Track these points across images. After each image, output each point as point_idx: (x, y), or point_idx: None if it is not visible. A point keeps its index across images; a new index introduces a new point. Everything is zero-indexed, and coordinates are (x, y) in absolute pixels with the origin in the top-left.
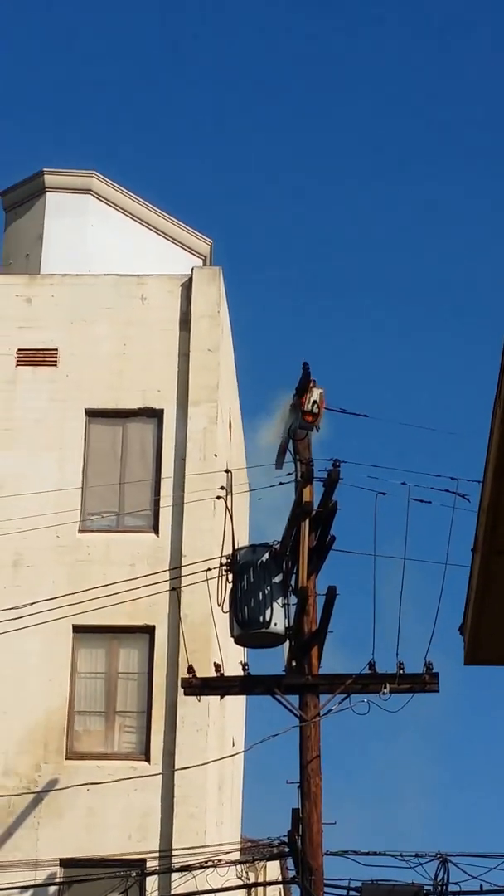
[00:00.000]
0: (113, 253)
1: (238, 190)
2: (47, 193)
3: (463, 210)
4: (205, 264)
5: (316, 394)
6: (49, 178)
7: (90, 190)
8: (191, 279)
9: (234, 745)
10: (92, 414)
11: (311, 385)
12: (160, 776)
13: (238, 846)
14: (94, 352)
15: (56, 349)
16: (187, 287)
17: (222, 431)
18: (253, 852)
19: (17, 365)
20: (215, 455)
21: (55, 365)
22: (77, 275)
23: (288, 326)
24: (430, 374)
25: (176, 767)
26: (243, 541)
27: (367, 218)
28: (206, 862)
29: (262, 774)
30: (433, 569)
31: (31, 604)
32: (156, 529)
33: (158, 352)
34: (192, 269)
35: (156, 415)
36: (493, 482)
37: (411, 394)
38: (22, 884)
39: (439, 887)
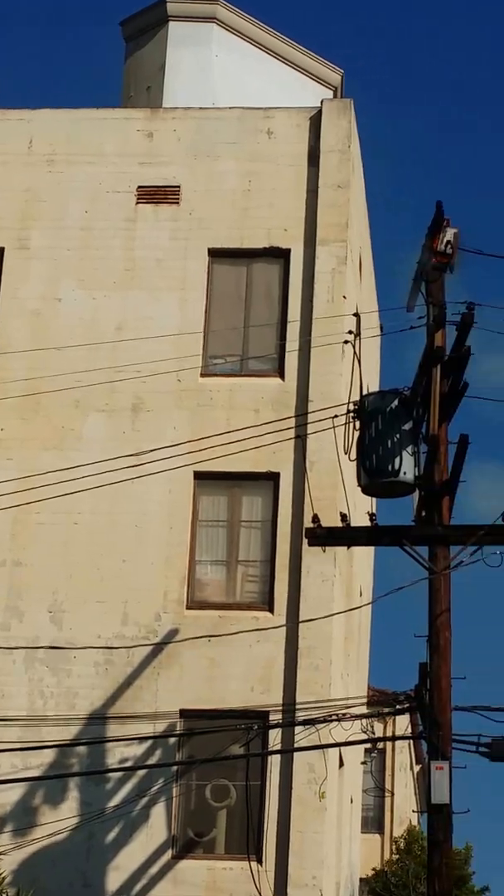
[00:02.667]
0: (238, 85)
1: (371, 19)
2: (170, 22)
3: None
4: (335, 96)
5: (450, 234)
6: (172, 7)
7: (215, 18)
8: (320, 112)
9: (361, 596)
10: (215, 254)
11: (444, 224)
12: (284, 627)
13: (364, 700)
14: (218, 189)
15: (178, 186)
16: (316, 120)
17: (352, 272)
18: (378, 706)
19: (138, 203)
20: (344, 297)
21: (177, 203)
22: (200, 108)
23: (423, 164)
24: None
25: (300, 618)
26: (374, 387)
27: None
28: (330, 715)
29: (391, 628)
30: None
31: (152, 450)
32: (281, 374)
33: (285, 189)
34: (322, 102)
35: (282, 255)
36: None
37: None
38: (142, 734)
39: None
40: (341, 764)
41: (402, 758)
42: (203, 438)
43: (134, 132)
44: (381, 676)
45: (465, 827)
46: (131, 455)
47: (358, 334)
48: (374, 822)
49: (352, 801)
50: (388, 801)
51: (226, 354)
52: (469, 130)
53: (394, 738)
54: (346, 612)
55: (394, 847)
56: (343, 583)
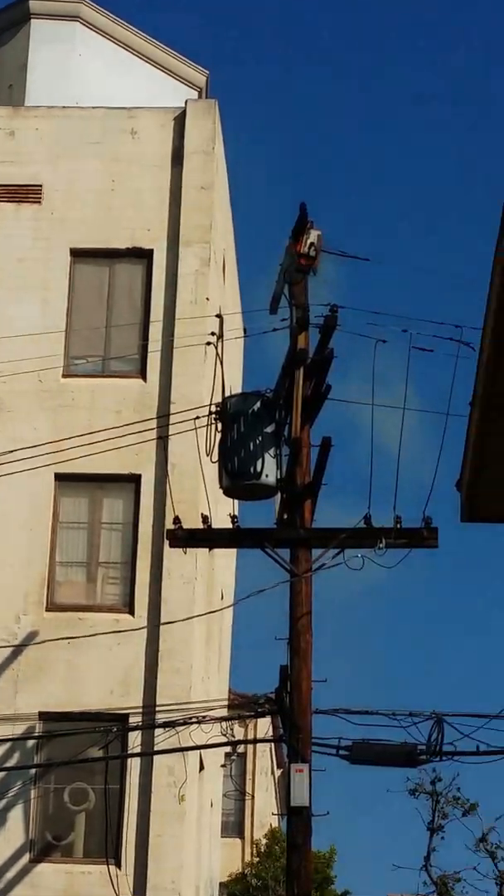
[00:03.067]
0: (102, 84)
1: (237, 20)
2: (32, 20)
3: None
4: (200, 97)
5: (313, 236)
6: (34, 4)
7: (78, 17)
8: (184, 112)
9: (223, 599)
10: (77, 254)
11: (308, 226)
12: (144, 630)
13: (224, 703)
14: (81, 189)
15: (40, 185)
16: (180, 121)
17: (215, 274)
18: (239, 709)
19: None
20: (207, 298)
21: (39, 202)
22: (63, 107)
23: (289, 166)
24: (436, 220)
25: (161, 621)
26: (237, 389)
27: (373, 47)
28: (190, 718)
29: (252, 631)
30: (434, 421)
31: (12, 451)
32: (143, 375)
33: (149, 189)
34: (186, 102)
35: (145, 255)
36: (493, 331)
37: (415, 240)
38: (0, 737)
39: (433, 747)
40: (201, 767)
41: (263, 762)
42: (64, 439)
43: None
44: (243, 680)
45: (326, 830)
46: None
47: (221, 336)
48: (234, 826)
49: (212, 805)
50: (248, 805)
51: (88, 355)
52: (336, 132)
53: (255, 741)
54: (206, 614)
55: (254, 850)
56: (204, 585)
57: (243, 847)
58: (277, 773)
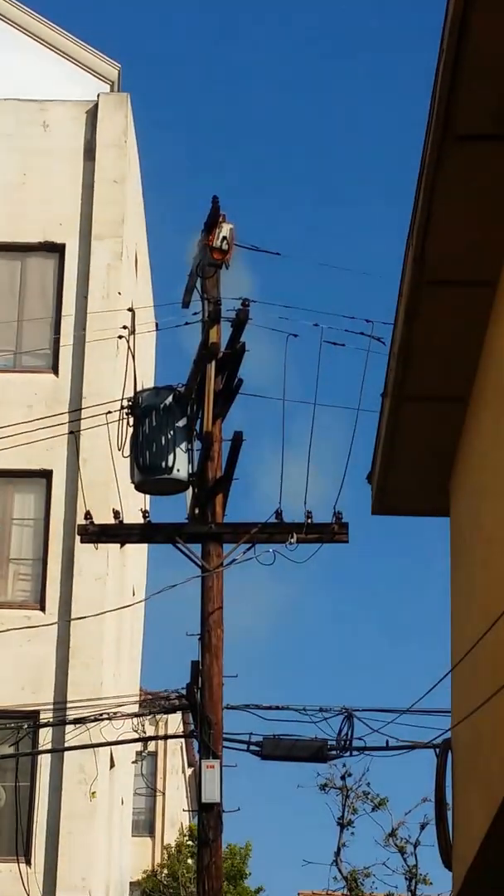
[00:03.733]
0: (12, 76)
1: (149, 12)
2: None
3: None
4: (112, 90)
5: (226, 229)
6: None
7: None
8: (97, 105)
9: (134, 595)
10: None
11: (220, 220)
12: (55, 626)
13: (135, 699)
14: None
15: None
16: (93, 114)
17: (127, 268)
18: (150, 705)
19: None
20: (119, 293)
21: None
22: None
23: (201, 160)
24: (344, 215)
25: (72, 617)
26: (149, 383)
27: (281, 44)
28: (101, 714)
29: (164, 627)
30: (346, 416)
31: None
32: (55, 370)
33: (61, 183)
34: (98, 95)
35: (57, 249)
36: (404, 325)
37: (325, 236)
38: None
39: (343, 742)
40: (112, 765)
41: (175, 761)
42: None
43: None
44: (154, 677)
45: (238, 826)
46: None
47: (133, 330)
48: (145, 825)
49: (122, 803)
50: (159, 803)
51: None
52: (250, 124)
53: (165, 738)
54: (116, 609)
55: (165, 848)
56: (116, 582)
57: (153, 846)
58: (188, 771)
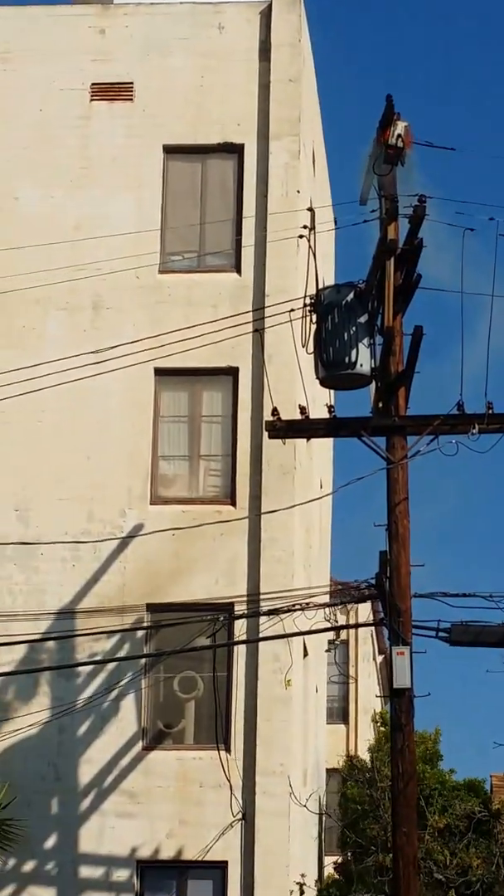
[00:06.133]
0: None
1: None
2: None
3: None
4: None
5: (400, 127)
6: None
7: None
8: (270, 6)
9: (321, 487)
10: (170, 150)
11: (395, 118)
12: (246, 520)
13: (326, 589)
14: (171, 85)
15: (131, 83)
16: (266, 14)
17: (305, 166)
18: (341, 595)
19: (92, 100)
20: (298, 191)
21: (131, 99)
22: (151, 3)
23: (376, 57)
24: None
25: (262, 511)
26: (329, 280)
27: None
28: (293, 605)
29: (351, 519)
30: None
31: (112, 347)
32: (238, 269)
33: (237, 84)
34: None
35: (236, 150)
36: None
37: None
38: (110, 628)
39: None
40: (305, 653)
41: (366, 648)
42: (162, 335)
43: (86, 28)
44: (344, 568)
45: (429, 711)
46: (91, 353)
47: (312, 228)
48: (338, 712)
49: (317, 691)
50: (352, 691)
51: (183, 251)
52: (420, 23)
53: (357, 626)
54: (306, 503)
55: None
56: (304, 475)
57: (347, 733)
58: (379, 658)
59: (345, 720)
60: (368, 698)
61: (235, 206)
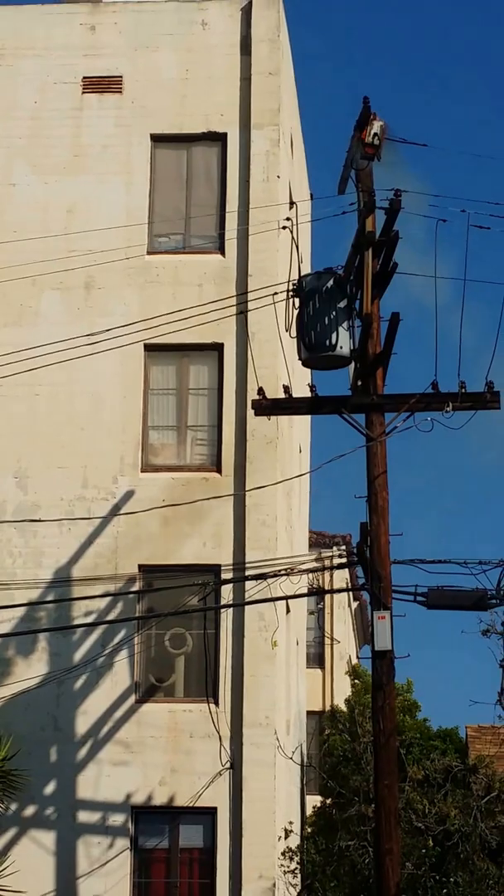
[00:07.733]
0: None
1: None
2: None
3: None
4: None
5: (376, 126)
6: None
7: None
8: (250, 4)
9: (301, 452)
10: (157, 139)
11: (371, 118)
12: (232, 486)
13: (311, 557)
14: (158, 78)
15: (120, 76)
16: (247, 12)
17: (285, 153)
18: (319, 548)
19: (84, 93)
20: (278, 176)
21: (120, 92)
22: (139, 1)
23: (351, 53)
24: (493, 108)
25: (246, 478)
26: (305, 265)
27: None
28: (279, 571)
29: (329, 492)
30: (493, 294)
31: (107, 330)
32: (222, 250)
33: (220, 77)
34: None
35: (219, 138)
36: None
37: (474, 127)
38: (105, 591)
39: (502, 592)
40: (288, 610)
41: (340, 596)
42: (153, 318)
43: (77, 25)
44: (320, 519)
45: (408, 671)
46: (87, 336)
47: (295, 221)
48: (315, 657)
49: (297, 644)
50: (328, 637)
51: (170, 233)
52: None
53: (340, 591)
54: (292, 478)
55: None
56: (285, 442)
57: (324, 677)
58: (354, 605)
59: (321, 665)
60: (345, 644)
61: (219, 192)
